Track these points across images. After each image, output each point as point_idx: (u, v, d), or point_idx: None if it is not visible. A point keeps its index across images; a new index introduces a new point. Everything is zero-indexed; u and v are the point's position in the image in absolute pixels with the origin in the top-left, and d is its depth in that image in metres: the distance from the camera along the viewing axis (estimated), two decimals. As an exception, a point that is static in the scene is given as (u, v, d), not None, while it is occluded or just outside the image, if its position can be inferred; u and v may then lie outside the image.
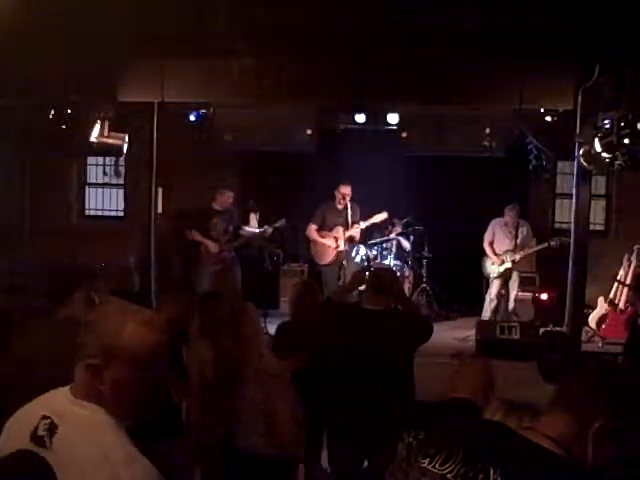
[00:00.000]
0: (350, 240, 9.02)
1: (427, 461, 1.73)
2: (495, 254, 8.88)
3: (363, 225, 9.00)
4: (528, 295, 9.09)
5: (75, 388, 1.79)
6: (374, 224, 9.15)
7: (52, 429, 1.70)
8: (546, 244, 8.71)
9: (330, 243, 9.01)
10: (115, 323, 1.80)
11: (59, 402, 1.77)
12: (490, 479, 1.60)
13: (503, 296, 8.95)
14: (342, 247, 8.97)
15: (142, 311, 1.87)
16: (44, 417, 1.73)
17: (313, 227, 9.08)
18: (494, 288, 8.91)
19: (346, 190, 8.85)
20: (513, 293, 8.90)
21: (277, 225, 8.98)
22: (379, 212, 8.98)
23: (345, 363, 4.35)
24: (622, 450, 1.67)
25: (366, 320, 4.31)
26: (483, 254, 9.00)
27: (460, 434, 1.78)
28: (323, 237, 9.06)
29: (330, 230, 9.04)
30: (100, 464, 1.64)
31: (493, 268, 8.88)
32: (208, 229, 8.82)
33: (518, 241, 8.83)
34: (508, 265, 8.80)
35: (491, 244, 8.97)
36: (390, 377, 4.17)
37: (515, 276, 8.90)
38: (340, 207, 8.95)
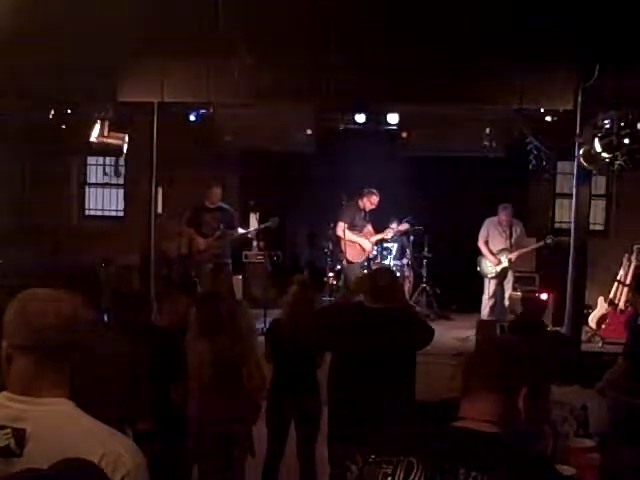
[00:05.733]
0: (376, 243, 9.27)
1: (389, 477, 1.72)
2: (492, 254, 8.89)
3: (392, 232, 9.19)
4: (519, 294, 9.07)
5: (19, 387, 1.73)
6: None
7: (18, 435, 1.64)
8: (542, 242, 8.73)
9: (365, 243, 9.09)
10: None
11: (8, 408, 1.70)
12: (458, 477, 1.64)
13: (498, 295, 8.96)
14: (374, 248, 9.20)
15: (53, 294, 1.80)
16: None
17: (343, 226, 9.04)
18: (491, 287, 8.94)
19: (377, 200, 9.06)
20: (508, 292, 8.90)
21: (268, 224, 8.97)
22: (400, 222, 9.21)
23: (345, 362, 4.35)
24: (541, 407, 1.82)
25: (366, 318, 4.31)
26: (478, 253, 9.00)
27: (412, 442, 1.78)
28: (356, 236, 9.12)
29: (360, 231, 9.13)
30: (92, 445, 1.65)
31: (490, 268, 8.89)
32: (200, 226, 8.83)
33: (512, 240, 8.84)
34: (505, 265, 8.82)
35: (486, 243, 8.97)
36: (390, 376, 4.16)
37: (510, 275, 8.92)
38: (363, 212, 9.12)
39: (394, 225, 9.20)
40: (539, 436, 1.85)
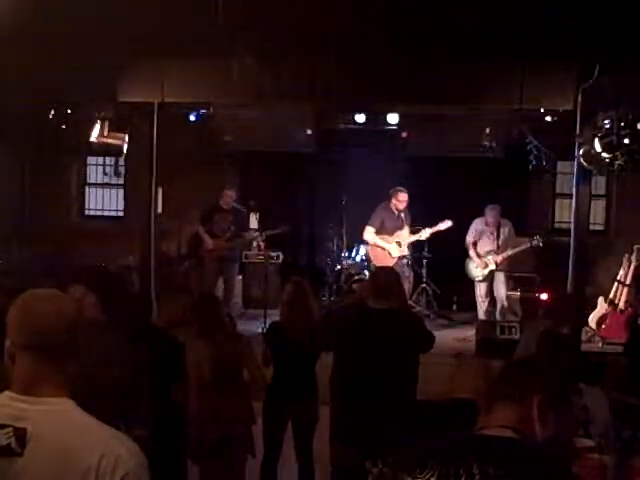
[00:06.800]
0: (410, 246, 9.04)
1: (405, 475, 1.82)
2: (478, 256, 8.81)
3: (428, 233, 8.96)
4: (517, 294, 9.06)
5: (21, 386, 1.73)
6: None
7: (20, 434, 1.65)
8: (528, 244, 8.69)
9: (392, 249, 8.87)
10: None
11: (10, 407, 1.71)
12: (472, 474, 1.72)
13: (491, 295, 8.92)
14: (405, 252, 8.95)
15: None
16: (1, 427, 1.67)
17: (372, 230, 8.91)
18: (482, 289, 8.89)
19: (405, 197, 8.83)
20: (501, 293, 8.79)
21: (277, 232, 8.95)
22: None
23: (347, 362, 4.35)
24: (561, 417, 1.96)
25: (369, 319, 4.31)
26: (466, 255, 8.92)
27: (429, 443, 1.90)
28: (384, 241, 8.91)
29: (391, 234, 8.94)
30: (92, 445, 1.66)
31: (477, 271, 8.83)
32: (212, 226, 8.85)
33: (500, 242, 8.76)
34: (492, 267, 8.75)
35: (474, 244, 8.90)
36: (392, 377, 4.16)
37: (500, 276, 8.80)
38: (396, 212, 8.93)
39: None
40: (562, 444, 1.96)
